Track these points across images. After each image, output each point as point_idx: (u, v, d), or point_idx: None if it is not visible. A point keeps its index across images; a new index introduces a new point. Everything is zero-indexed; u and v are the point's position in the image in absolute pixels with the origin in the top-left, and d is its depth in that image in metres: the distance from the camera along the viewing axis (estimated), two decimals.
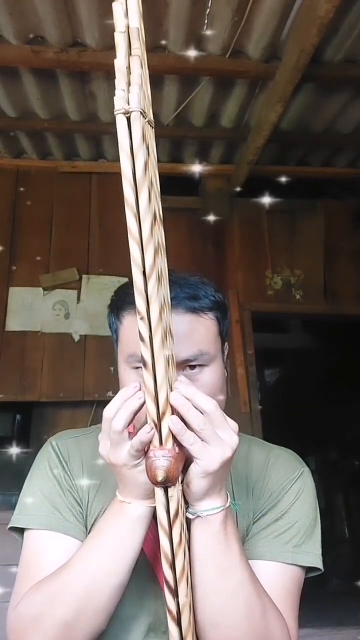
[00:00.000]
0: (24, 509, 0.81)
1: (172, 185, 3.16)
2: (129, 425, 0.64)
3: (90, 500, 0.82)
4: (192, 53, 2.31)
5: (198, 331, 0.78)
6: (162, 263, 0.60)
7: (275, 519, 0.81)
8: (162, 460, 0.57)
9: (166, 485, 0.58)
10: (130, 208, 0.54)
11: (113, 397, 0.68)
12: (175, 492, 0.59)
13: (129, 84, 0.55)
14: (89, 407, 2.73)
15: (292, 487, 0.84)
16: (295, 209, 3.32)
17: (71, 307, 2.88)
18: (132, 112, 0.54)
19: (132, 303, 0.78)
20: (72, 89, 2.59)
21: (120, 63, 0.56)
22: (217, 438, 0.62)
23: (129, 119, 0.54)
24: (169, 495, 0.58)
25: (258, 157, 2.86)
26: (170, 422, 0.59)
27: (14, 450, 2.76)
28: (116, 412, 0.64)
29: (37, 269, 2.95)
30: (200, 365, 0.77)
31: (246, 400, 2.75)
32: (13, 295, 2.87)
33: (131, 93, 0.55)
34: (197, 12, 2.11)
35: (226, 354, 0.87)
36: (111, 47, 2.24)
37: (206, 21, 2.15)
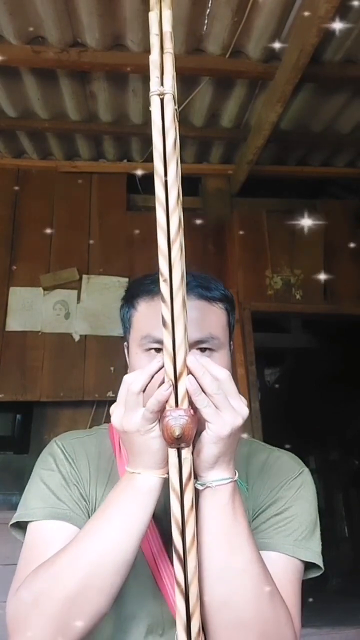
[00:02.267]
0: (27, 504, 0.80)
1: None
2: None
3: (97, 497, 0.82)
4: (192, 53, 2.32)
5: (209, 316, 0.82)
6: (182, 238, 0.63)
7: (275, 513, 0.81)
8: (179, 418, 0.59)
9: (181, 444, 0.59)
10: (159, 178, 0.59)
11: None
12: (188, 454, 0.60)
13: (162, 73, 0.61)
14: (89, 407, 2.73)
15: (292, 484, 0.84)
16: (295, 209, 3.31)
17: (71, 307, 2.88)
18: (165, 94, 0.60)
19: (146, 291, 0.83)
20: (72, 88, 2.59)
21: (154, 57, 0.63)
22: (228, 405, 0.65)
23: (162, 100, 0.60)
24: (182, 457, 0.59)
25: (258, 157, 2.86)
26: (187, 381, 0.61)
27: (14, 450, 2.76)
28: (135, 377, 0.66)
29: (37, 269, 2.95)
30: (209, 350, 0.79)
31: (246, 399, 2.75)
32: (13, 295, 2.87)
33: (165, 78, 0.60)
34: (197, 12, 2.11)
35: (232, 349, 0.89)
36: (111, 47, 2.24)
37: (206, 21, 2.16)
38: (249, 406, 2.72)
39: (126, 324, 0.88)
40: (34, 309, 2.85)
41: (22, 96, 2.66)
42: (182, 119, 2.83)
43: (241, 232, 3.22)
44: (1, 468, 2.67)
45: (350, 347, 4.30)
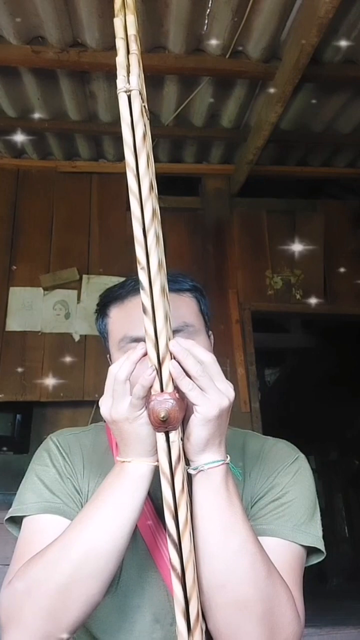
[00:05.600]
0: (22, 499, 0.81)
1: (172, 185, 3.16)
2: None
3: (90, 491, 0.82)
4: (192, 53, 2.32)
5: (180, 306, 0.85)
6: (158, 226, 0.64)
7: (273, 499, 0.81)
8: (164, 402, 0.60)
9: (167, 426, 0.60)
10: (130, 170, 0.61)
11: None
12: (175, 437, 0.60)
13: (129, 72, 0.64)
14: (89, 407, 2.73)
15: (288, 470, 0.85)
16: (295, 209, 3.32)
17: (71, 307, 2.88)
18: (132, 90, 0.63)
19: (116, 297, 0.86)
20: (72, 88, 2.59)
21: (121, 59, 0.66)
22: (214, 386, 0.64)
23: (129, 97, 0.63)
24: (170, 440, 0.60)
25: (258, 157, 2.86)
26: (170, 366, 0.61)
27: (14, 450, 2.76)
28: (120, 366, 0.67)
29: (37, 269, 2.95)
30: (187, 338, 0.80)
31: (246, 399, 2.75)
32: (13, 295, 2.87)
33: (131, 75, 0.63)
34: (197, 12, 2.11)
35: (211, 339, 0.91)
36: (111, 47, 2.24)
37: (206, 21, 2.15)
38: (250, 406, 2.73)
39: (104, 334, 0.90)
40: (34, 309, 2.85)
41: (22, 96, 2.66)
42: (182, 119, 2.83)
43: (241, 232, 3.22)
44: (1, 468, 2.67)
45: (350, 347, 4.30)
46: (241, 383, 2.79)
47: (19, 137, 3.01)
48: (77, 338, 2.82)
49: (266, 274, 3.14)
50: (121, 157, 3.22)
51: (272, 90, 2.39)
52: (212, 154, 3.21)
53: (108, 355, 0.90)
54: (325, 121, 2.89)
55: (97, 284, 2.94)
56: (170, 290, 0.84)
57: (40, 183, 3.17)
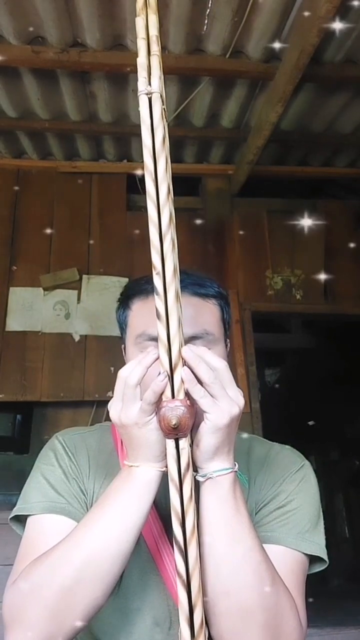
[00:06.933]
0: (27, 498, 0.81)
1: (172, 185, 3.15)
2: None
3: (95, 492, 0.82)
4: (192, 53, 2.32)
5: (203, 313, 0.83)
6: (174, 231, 0.64)
7: (277, 507, 0.81)
8: (175, 409, 0.59)
9: (178, 434, 0.59)
10: (149, 173, 0.60)
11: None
12: (185, 444, 0.60)
13: (150, 74, 0.62)
14: (89, 407, 2.73)
15: (293, 477, 0.85)
16: (295, 209, 3.31)
17: (71, 307, 2.88)
18: (153, 93, 0.61)
19: (141, 292, 0.84)
20: (72, 89, 2.59)
21: (142, 60, 0.64)
22: (225, 394, 0.64)
23: (150, 99, 0.61)
24: (180, 447, 0.60)
25: (258, 157, 2.86)
26: (182, 372, 0.61)
27: (14, 450, 2.76)
28: (131, 370, 0.66)
29: (37, 269, 2.95)
30: (204, 346, 0.79)
31: (246, 399, 2.75)
32: (13, 295, 2.87)
33: (153, 78, 0.62)
34: (197, 12, 2.11)
35: (228, 348, 0.89)
36: (111, 47, 2.24)
37: (206, 21, 2.15)
38: (250, 406, 2.73)
39: (122, 324, 0.89)
40: (34, 309, 2.85)
41: (22, 96, 2.66)
42: (182, 119, 2.83)
43: (241, 232, 3.22)
44: (1, 468, 2.67)
45: (350, 347, 4.30)
46: (241, 383, 2.79)
47: (19, 137, 3.02)
48: (77, 338, 2.82)
49: (266, 274, 3.14)
50: (121, 157, 3.22)
51: (272, 90, 2.39)
52: (213, 154, 3.21)
53: (123, 346, 0.89)
54: (326, 121, 2.89)
55: (97, 284, 2.93)
56: (196, 294, 0.83)
57: (40, 183, 3.17)
